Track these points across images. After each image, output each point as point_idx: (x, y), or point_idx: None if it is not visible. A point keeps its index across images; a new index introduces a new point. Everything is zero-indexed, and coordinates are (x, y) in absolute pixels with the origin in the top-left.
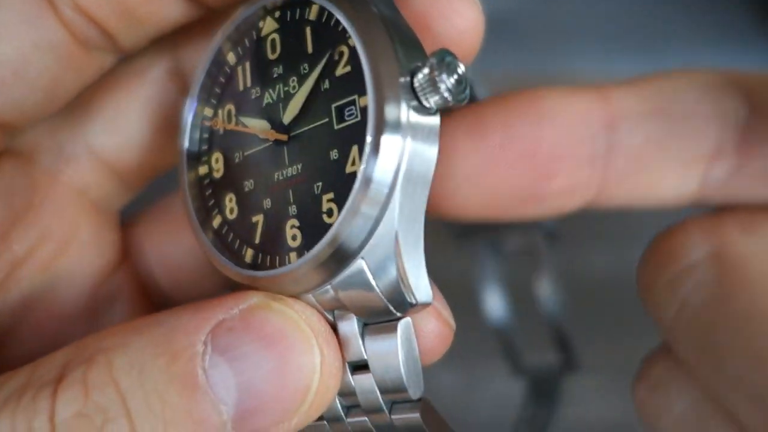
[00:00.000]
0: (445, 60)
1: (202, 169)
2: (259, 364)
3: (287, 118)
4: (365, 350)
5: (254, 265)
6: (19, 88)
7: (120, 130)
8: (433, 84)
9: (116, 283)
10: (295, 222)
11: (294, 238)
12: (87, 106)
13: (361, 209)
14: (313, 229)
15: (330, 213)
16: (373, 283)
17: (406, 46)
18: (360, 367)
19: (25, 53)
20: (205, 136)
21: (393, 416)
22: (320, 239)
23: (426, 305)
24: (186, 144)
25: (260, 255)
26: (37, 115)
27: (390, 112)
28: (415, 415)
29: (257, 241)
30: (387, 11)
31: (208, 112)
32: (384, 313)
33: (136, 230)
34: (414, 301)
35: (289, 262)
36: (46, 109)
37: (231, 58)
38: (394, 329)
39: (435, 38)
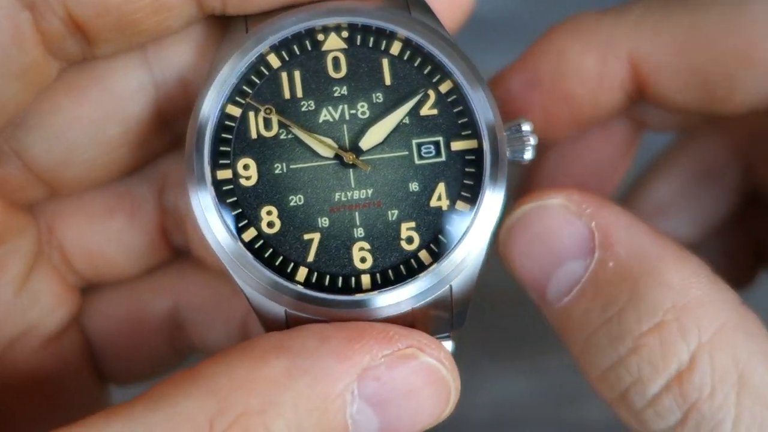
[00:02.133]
0: (527, 121)
1: (222, 173)
2: (403, 409)
3: (367, 144)
4: None
5: (311, 284)
6: None
7: (62, 145)
8: (525, 141)
9: (37, 279)
10: (365, 245)
11: (363, 260)
12: (26, 109)
13: (471, 249)
14: (388, 253)
15: (410, 240)
16: (453, 305)
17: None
18: None
19: None
20: (227, 136)
21: None
22: (397, 264)
23: None
24: (209, 141)
25: (316, 274)
26: None
27: (502, 167)
28: None
29: (311, 259)
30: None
31: (233, 110)
32: (444, 328)
33: (48, 218)
34: (465, 322)
35: (361, 284)
36: None
37: (273, 60)
38: (448, 339)
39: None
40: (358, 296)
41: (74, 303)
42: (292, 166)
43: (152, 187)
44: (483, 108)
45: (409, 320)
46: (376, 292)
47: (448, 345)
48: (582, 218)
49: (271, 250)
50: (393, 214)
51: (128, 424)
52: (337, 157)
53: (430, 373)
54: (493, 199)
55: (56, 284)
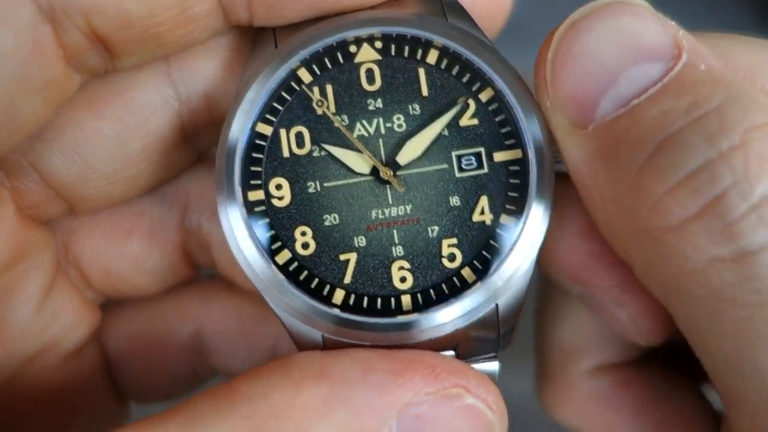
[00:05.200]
0: None
1: (254, 194)
2: None
3: (405, 158)
4: None
5: (348, 307)
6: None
7: (81, 159)
8: None
9: (56, 296)
10: (405, 264)
11: (403, 280)
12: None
13: (518, 265)
14: (429, 272)
15: (452, 258)
16: (499, 325)
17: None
18: None
19: (14, 98)
20: (258, 156)
21: None
22: (438, 282)
23: None
24: (240, 161)
25: (354, 296)
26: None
27: (549, 177)
28: None
29: (348, 280)
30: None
31: (264, 129)
32: (490, 349)
33: (64, 235)
34: (511, 342)
35: (401, 306)
36: (13, 146)
37: (304, 75)
38: (494, 359)
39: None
40: (399, 318)
41: (94, 319)
42: (326, 184)
43: (173, 208)
44: (527, 115)
45: (452, 341)
46: (417, 313)
47: (494, 366)
48: (666, 27)
49: (306, 272)
50: (433, 231)
51: None
52: (373, 172)
53: (475, 415)
54: (540, 211)
55: (75, 300)
